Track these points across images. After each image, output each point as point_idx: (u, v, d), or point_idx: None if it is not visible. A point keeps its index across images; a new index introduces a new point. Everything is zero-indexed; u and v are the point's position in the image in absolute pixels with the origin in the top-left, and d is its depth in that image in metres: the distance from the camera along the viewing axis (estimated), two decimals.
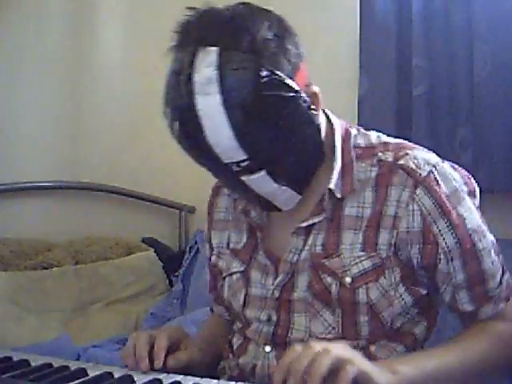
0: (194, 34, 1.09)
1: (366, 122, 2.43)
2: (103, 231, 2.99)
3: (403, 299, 1.19)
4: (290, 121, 1.11)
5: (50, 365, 1.11)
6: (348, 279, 1.17)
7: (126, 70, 3.19)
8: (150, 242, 3.02)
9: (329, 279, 1.19)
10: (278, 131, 1.10)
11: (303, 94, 1.12)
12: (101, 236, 2.95)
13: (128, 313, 2.73)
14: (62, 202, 3.01)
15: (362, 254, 1.18)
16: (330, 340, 1.18)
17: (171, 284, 2.91)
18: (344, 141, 1.24)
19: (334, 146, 1.23)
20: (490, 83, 2.20)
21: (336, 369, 0.96)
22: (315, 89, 1.17)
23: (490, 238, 1.21)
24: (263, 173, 1.12)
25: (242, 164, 1.10)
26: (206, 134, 1.07)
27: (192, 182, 3.06)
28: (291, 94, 1.10)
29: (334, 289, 1.18)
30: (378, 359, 1.19)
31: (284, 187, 1.16)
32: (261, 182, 1.13)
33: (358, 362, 0.97)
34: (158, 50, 3.48)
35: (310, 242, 1.22)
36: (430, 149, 2.25)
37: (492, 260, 1.19)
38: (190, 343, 1.27)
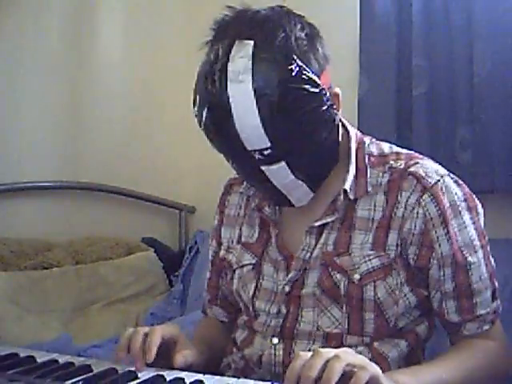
0: (232, 29, 1.17)
1: (366, 121, 2.44)
2: (103, 231, 2.99)
3: (407, 299, 1.24)
4: (313, 116, 1.16)
5: (56, 361, 1.12)
6: (357, 276, 1.22)
7: (126, 70, 3.19)
8: (150, 242, 3.02)
9: (338, 276, 1.23)
10: (301, 124, 1.15)
11: (327, 93, 1.18)
12: (101, 236, 2.95)
13: (128, 313, 2.73)
14: (62, 202, 3.01)
15: (371, 252, 1.23)
16: (335, 334, 1.23)
17: (171, 284, 2.91)
18: (358, 147, 1.30)
19: (350, 151, 1.29)
20: (489, 83, 2.20)
21: (346, 375, 0.96)
22: (337, 90, 1.23)
23: (483, 257, 1.25)
24: (283, 163, 1.17)
25: (265, 152, 1.15)
26: (235, 120, 1.13)
27: (192, 182, 3.08)
28: (316, 91, 1.15)
29: (342, 285, 1.23)
30: (381, 353, 1.24)
31: (300, 182, 1.21)
32: (279, 172, 1.18)
33: (369, 367, 0.98)
34: (158, 50, 3.48)
35: (322, 240, 1.27)
36: (430, 149, 2.27)
37: (481, 276, 1.24)
38: (189, 343, 1.27)
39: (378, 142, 1.35)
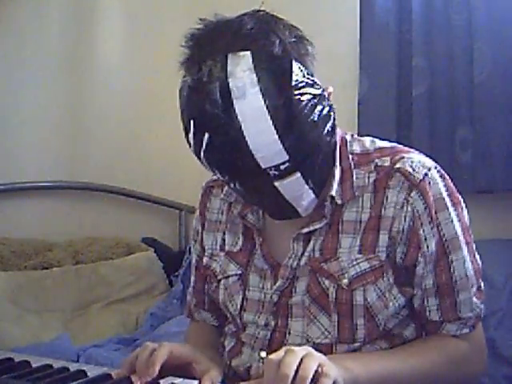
0: (221, 42, 1.08)
1: (366, 122, 2.43)
2: (103, 231, 2.99)
3: (397, 301, 1.20)
4: (321, 118, 1.11)
5: (50, 366, 1.11)
6: (345, 281, 1.18)
7: (126, 71, 3.19)
8: (150, 242, 3.02)
9: (327, 282, 1.19)
10: (313, 129, 1.10)
11: (326, 93, 1.14)
12: (101, 236, 2.95)
13: (128, 313, 2.73)
14: (62, 201, 3.01)
15: (359, 256, 1.19)
16: (325, 345, 1.19)
17: (171, 284, 2.91)
18: (341, 147, 1.25)
19: (334, 153, 1.23)
20: (490, 83, 2.20)
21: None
22: (330, 89, 1.19)
23: (468, 254, 1.22)
24: (298, 175, 1.11)
25: (282, 167, 1.09)
26: (247, 140, 1.05)
27: (192, 182, 3.06)
28: (319, 92, 1.12)
29: (331, 291, 1.19)
30: None
31: (310, 190, 1.15)
32: (293, 184, 1.12)
33: (332, 371, 0.99)
34: (158, 50, 3.49)
35: (309, 247, 1.22)
36: (430, 149, 2.27)
37: (466, 273, 1.21)
38: (209, 362, 1.19)
39: (359, 138, 1.30)
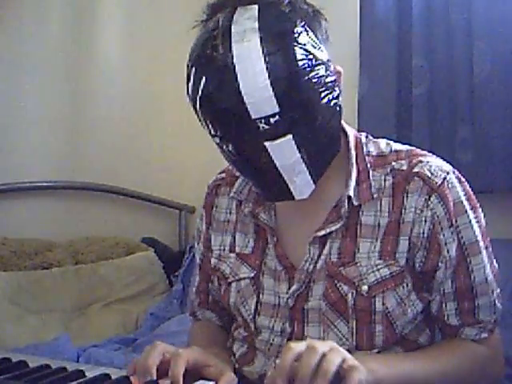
0: (231, 1, 1.09)
1: (366, 121, 2.43)
2: (103, 231, 2.99)
3: (415, 307, 1.19)
4: (321, 84, 1.08)
5: (48, 366, 1.11)
6: (365, 287, 1.16)
7: (126, 71, 3.19)
8: (150, 242, 3.02)
9: (345, 288, 1.17)
10: (310, 90, 1.07)
11: (331, 66, 1.12)
12: (101, 236, 2.96)
13: (128, 313, 2.73)
14: (62, 201, 3.01)
15: (379, 262, 1.17)
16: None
17: (171, 284, 2.91)
18: (356, 148, 1.23)
19: (349, 151, 1.21)
20: (489, 83, 2.20)
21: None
22: (339, 68, 1.16)
23: (488, 258, 1.20)
24: (289, 137, 1.07)
25: (272, 120, 1.05)
26: (240, 83, 1.03)
27: (192, 182, 3.08)
28: (324, 59, 1.09)
29: (350, 297, 1.17)
30: None
31: (303, 165, 1.10)
32: (284, 148, 1.08)
33: (360, 367, 0.96)
34: (159, 50, 3.47)
35: (325, 250, 1.19)
36: (430, 149, 2.26)
37: (487, 278, 1.19)
38: (222, 364, 1.14)
39: (375, 140, 1.27)
